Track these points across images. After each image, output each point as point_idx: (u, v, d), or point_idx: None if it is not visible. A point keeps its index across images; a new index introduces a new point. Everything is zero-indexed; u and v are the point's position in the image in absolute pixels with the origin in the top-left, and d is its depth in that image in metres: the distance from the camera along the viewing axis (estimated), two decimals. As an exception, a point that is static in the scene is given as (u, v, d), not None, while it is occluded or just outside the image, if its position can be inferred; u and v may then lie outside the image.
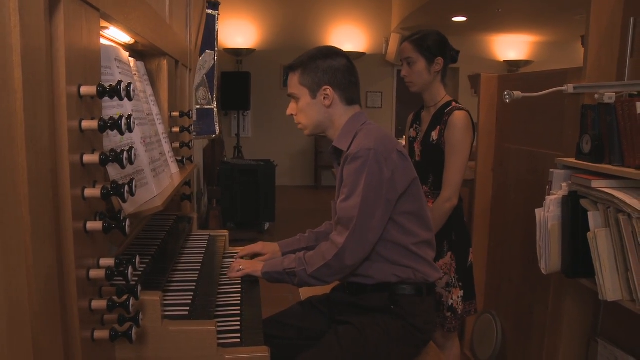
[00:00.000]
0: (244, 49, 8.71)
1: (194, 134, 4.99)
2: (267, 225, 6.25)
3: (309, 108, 1.72)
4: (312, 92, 1.71)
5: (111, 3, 1.07)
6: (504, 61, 8.98)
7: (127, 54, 1.44)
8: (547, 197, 2.04)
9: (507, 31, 8.35)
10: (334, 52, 1.73)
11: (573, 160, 2.08)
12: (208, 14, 4.91)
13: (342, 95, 1.72)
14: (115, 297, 1.00)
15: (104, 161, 0.91)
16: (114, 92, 0.90)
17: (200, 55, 4.92)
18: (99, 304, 0.95)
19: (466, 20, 7.46)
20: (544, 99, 2.31)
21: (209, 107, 5.10)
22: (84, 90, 0.89)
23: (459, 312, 2.18)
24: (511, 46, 8.90)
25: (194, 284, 1.37)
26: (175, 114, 1.94)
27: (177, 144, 1.96)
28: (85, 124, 0.90)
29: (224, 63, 8.66)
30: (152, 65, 1.84)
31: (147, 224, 1.71)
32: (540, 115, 2.52)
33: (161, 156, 1.53)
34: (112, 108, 1.19)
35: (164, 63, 1.84)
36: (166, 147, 1.72)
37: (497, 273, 2.91)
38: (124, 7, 1.17)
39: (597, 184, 1.90)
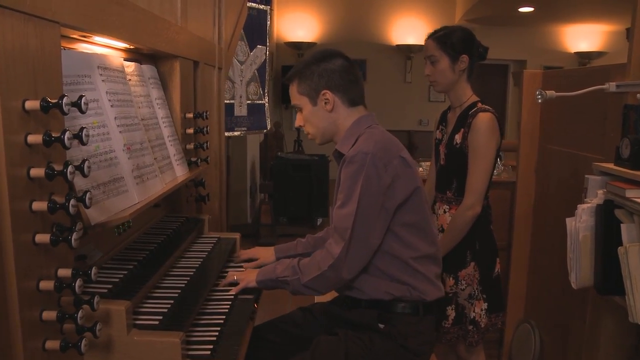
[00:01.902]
0: (305, 42, 8.71)
1: (244, 129, 5.07)
2: (319, 221, 6.24)
3: (312, 116, 1.66)
4: (312, 100, 1.65)
5: (78, 13, 1.06)
6: (574, 53, 8.47)
7: (121, 59, 1.45)
8: (579, 205, 1.89)
9: (578, 21, 7.86)
10: (329, 54, 1.66)
11: (611, 165, 1.92)
12: (259, 9, 4.95)
13: (344, 97, 1.65)
14: (74, 308, 1.01)
15: (50, 175, 0.91)
16: (56, 106, 0.89)
17: (251, 51, 4.97)
18: (49, 314, 0.95)
19: (533, 11, 7.09)
20: (587, 97, 2.15)
21: (260, 102, 5.16)
22: (29, 105, 0.89)
23: (482, 326, 2.06)
24: (583, 37, 8.37)
25: (179, 291, 1.36)
26: (190, 115, 1.95)
27: (191, 146, 1.97)
28: (31, 138, 0.90)
29: (285, 57, 8.71)
30: (165, 68, 1.85)
31: (152, 225, 1.73)
32: (583, 116, 2.35)
33: (157, 161, 1.53)
34: (89, 117, 1.20)
35: (176, 65, 1.85)
36: (172, 149, 1.73)
37: (537, 281, 2.75)
38: (100, 14, 1.17)
39: (632, 193, 1.74)
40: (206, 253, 1.72)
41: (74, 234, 0.94)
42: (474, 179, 1.96)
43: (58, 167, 0.93)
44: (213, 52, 2.38)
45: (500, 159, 3.11)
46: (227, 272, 1.75)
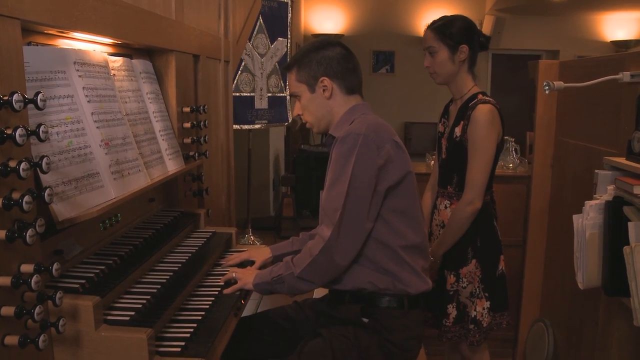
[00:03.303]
0: (332, 34, 8.65)
1: (265, 121, 5.07)
2: (342, 213, 6.20)
3: (310, 103, 1.66)
4: (310, 87, 1.64)
5: (42, 9, 1.06)
6: (610, 42, 8.15)
7: (104, 54, 1.45)
8: (586, 202, 1.81)
9: (614, 8, 7.54)
10: (327, 42, 1.66)
11: (622, 160, 1.83)
12: (280, 2, 4.92)
13: (342, 85, 1.64)
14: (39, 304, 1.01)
15: (4, 172, 0.91)
16: (7, 103, 0.89)
17: (272, 44, 4.96)
18: (8, 310, 0.96)
19: (567, -2, 6.86)
20: (602, 88, 2.05)
21: (281, 94, 5.15)
22: (-23, 102, 0.89)
23: (484, 325, 2.00)
24: (619, 24, 8.02)
25: (159, 286, 1.35)
26: (187, 109, 1.94)
27: (189, 140, 1.96)
28: (-19, 135, 0.90)
29: (312, 49, 8.66)
30: (160, 62, 1.85)
31: (144, 220, 1.73)
32: (598, 107, 2.25)
33: (144, 156, 1.53)
34: (62, 112, 1.20)
35: (171, 59, 1.84)
36: (164, 144, 1.73)
37: (552, 279, 2.66)
38: (72, 9, 1.17)
39: (640, 190, 1.66)
40: (196, 248, 1.71)
41: (29, 230, 0.94)
42: (473, 174, 1.90)
43: (14, 164, 0.93)
44: (217, 45, 2.38)
45: (517, 152, 3.01)
46: (218, 266, 1.74)
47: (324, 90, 1.63)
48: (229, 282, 1.62)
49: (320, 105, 1.64)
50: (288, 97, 5.19)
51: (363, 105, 1.67)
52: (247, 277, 1.61)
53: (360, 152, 1.48)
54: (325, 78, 1.62)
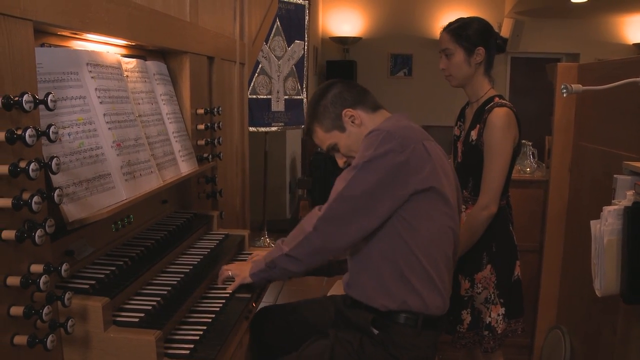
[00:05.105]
0: (350, 37, 8.64)
1: (282, 124, 5.07)
2: (358, 217, 6.18)
3: (348, 141, 1.64)
4: (339, 128, 1.64)
5: (55, 11, 1.07)
6: (633, 44, 8.01)
7: (117, 56, 1.46)
8: (604, 207, 1.78)
9: (637, 10, 7.41)
10: (327, 84, 1.68)
11: (642, 165, 1.79)
12: (297, 4, 4.93)
13: (364, 107, 1.65)
14: (48, 304, 1.01)
15: (14, 172, 0.92)
16: (17, 104, 0.90)
17: (289, 46, 4.97)
18: (17, 310, 0.96)
19: (588, 1, 6.75)
20: (622, 91, 2.01)
21: (298, 97, 5.15)
22: (-13, 103, 0.90)
23: (499, 332, 1.96)
24: (643, 26, 7.91)
25: (169, 288, 1.35)
26: (201, 111, 1.95)
27: (202, 142, 1.97)
28: (-8, 136, 0.91)
29: (329, 52, 8.68)
30: (174, 64, 1.85)
31: (157, 221, 1.73)
32: (618, 111, 2.20)
33: (156, 157, 1.53)
34: (74, 114, 1.20)
35: (185, 60, 1.84)
36: (177, 145, 1.73)
37: (569, 285, 2.62)
38: (85, 11, 1.18)
39: (660, 195, 1.62)
40: (208, 250, 1.70)
41: (38, 230, 0.94)
42: (489, 178, 1.87)
43: (24, 164, 0.93)
44: (232, 47, 2.38)
45: (534, 156, 2.97)
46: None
47: (353, 121, 1.63)
48: (230, 280, 1.62)
49: (357, 136, 1.62)
50: (305, 100, 5.19)
51: (401, 115, 1.64)
52: (243, 271, 1.61)
53: (380, 145, 1.44)
54: (347, 110, 1.62)
